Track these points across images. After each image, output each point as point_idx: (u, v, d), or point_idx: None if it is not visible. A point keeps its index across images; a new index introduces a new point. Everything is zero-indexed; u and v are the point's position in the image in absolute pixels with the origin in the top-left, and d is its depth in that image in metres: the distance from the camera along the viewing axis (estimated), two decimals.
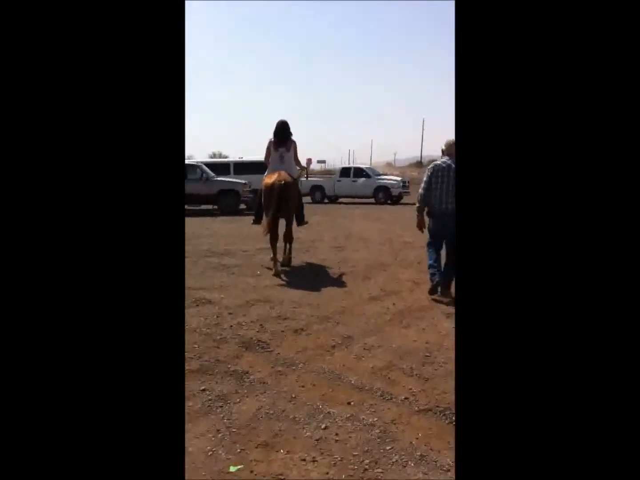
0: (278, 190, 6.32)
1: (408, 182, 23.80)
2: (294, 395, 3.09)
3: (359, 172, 22.34)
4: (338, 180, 22.47)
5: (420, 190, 5.40)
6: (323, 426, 2.72)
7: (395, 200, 21.48)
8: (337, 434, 2.65)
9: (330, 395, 3.10)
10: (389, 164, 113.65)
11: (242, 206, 17.07)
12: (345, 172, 22.63)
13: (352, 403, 3.00)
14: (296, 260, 7.56)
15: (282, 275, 6.45)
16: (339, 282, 6.15)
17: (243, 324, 4.45)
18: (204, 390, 3.15)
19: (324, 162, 58.98)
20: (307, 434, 2.65)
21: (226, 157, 25.81)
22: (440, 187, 5.22)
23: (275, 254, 6.65)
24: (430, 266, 5.40)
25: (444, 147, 5.42)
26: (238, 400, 3.03)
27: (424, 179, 5.40)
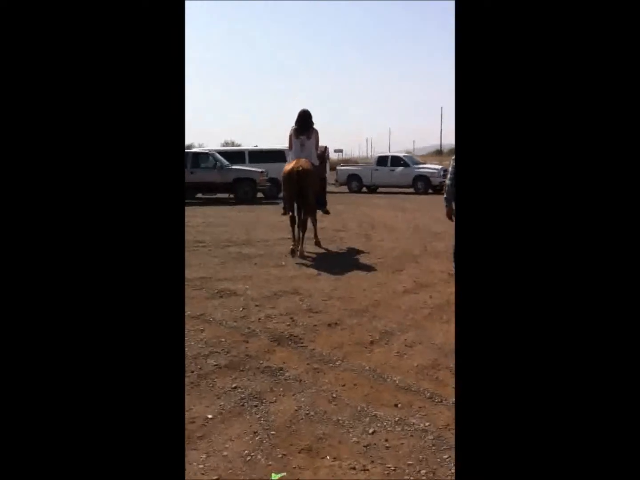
0: (296, 178, 6.67)
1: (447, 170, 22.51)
2: (334, 395, 2.90)
3: (397, 161, 21.43)
4: (375, 169, 21.56)
5: (447, 181, 5.61)
6: (371, 430, 2.54)
7: (437, 189, 19.03)
8: (386, 440, 2.46)
9: (374, 395, 2.92)
10: (408, 152, 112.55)
11: (260, 195, 16.91)
12: (382, 160, 21.81)
13: (399, 405, 2.81)
14: (322, 251, 7.37)
15: (309, 265, 6.27)
16: (369, 273, 5.95)
17: (272, 316, 4.27)
18: (235, 388, 2.98)
19: (340, 151, 58.34)
20: (354, 439, 2.47)
21: (239, 146, 25.47)
22: None
23: (294, 237, 6.99)
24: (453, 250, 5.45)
25: None
26: (274, 399, 2.86)
27: (449, 169, 5.60)
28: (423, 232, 9.23)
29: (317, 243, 7.62)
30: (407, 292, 5.14)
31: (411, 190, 20.62)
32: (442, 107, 76.80)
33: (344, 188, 21.87)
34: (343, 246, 7.80)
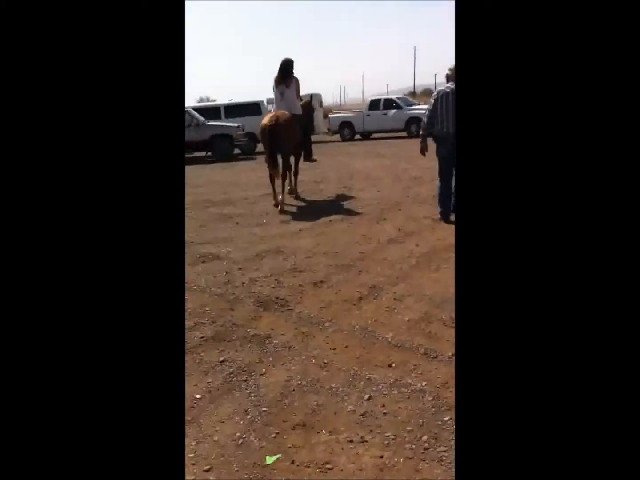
0: (269, 130, 6.57)
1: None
2: (325, 361, 2.74)
3: (389, 104, 20.00)
4: (367, 115, 20.24)
5: (424, 118, 5.68)
6: (366, 396, 2.38)
7: None
8: (383, 405, 2.31)
9: (367, 357, 2.75)
10: (381, 96, 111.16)
11: (237, 151, 16.45)
12: (374, 104, 20.40)
13: (393, 365, 2.65)
14: (303, 205, 7.14)
15: (291, 221, 6.04)
16: (352, 225, 5.73)
17: (256, 279, 4.07)
18: (223, 361, 2.80)
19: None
20: (350, 407, 2.31)
21: (214, 101, 24.51)
22: (441, 112, 5.47)
23: (274, 189, 6.98)
24: (438, 197, 5.74)
25: (448, 72, 5.66)
26: (263, 370, 2.68)
27: (428, 105, 5.69)
28: (403, 179, 8.98)
29: (297, 196, 7.54)
30: (392, 242, 4.95)
31: (404, 134, 19.19)
32: (414, 47, 74.89)
33: (338, 137, 21.00)
34: (323, 198, 7.56)
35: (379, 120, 19.96)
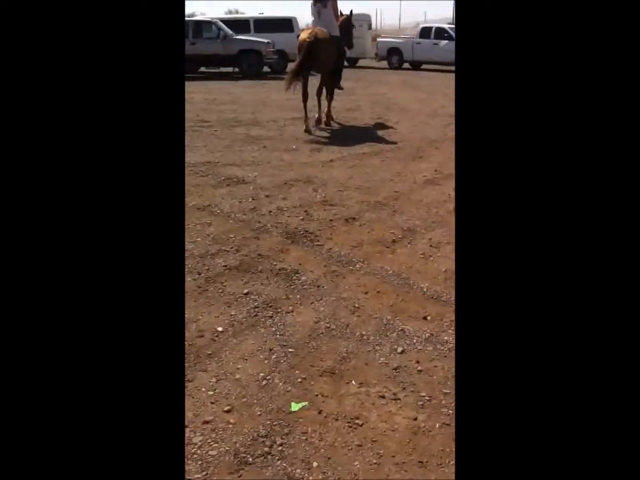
0: (307, 47, 6.44)
1: None
2: (356, 305, 2.61)
3: (441, 33, 18.79)
4: (417, 43, 19.11)
5: None
6: (399, 349, 2.26)
7: None
8: (418, 362, 2.18)
9: (401, 306, 2.62)
10: (419, 24, 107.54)
11: (266, 68, 15.88)
12: (425, 32, 19.23)
13: (428, 318, 2.52)
14: (336, 133, 6.86)
15: (322, 150, 5.80)
16: (387, 161, 5.49)
17: (284, 209, 3.90)
18: (247, 294, 2.68)
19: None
20: (381, 359, 2.19)
21: (243, 14, 23.48)
22: None
23: (306, 114, 6.80)
24: None
25: None
26: (290, 308, 2.56)
27: None
28: (440, 114, 8.59)
29: (328, 122, 7.27)
30: (428, 183, 4.73)
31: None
32: None
33: (385, 64, 20.04)
34: (357, 128, 7.26)
35: (429, 50, 18.76)
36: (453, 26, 20.92)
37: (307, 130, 6.69)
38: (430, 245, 3.34)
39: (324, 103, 7.30)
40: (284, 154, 5.60)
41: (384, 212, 3.93)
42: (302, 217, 3.75)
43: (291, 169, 5.03)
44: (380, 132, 6.94)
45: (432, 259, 3.16)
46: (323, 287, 2.78)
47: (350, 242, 3.36)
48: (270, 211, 3.84)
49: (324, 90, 7.17)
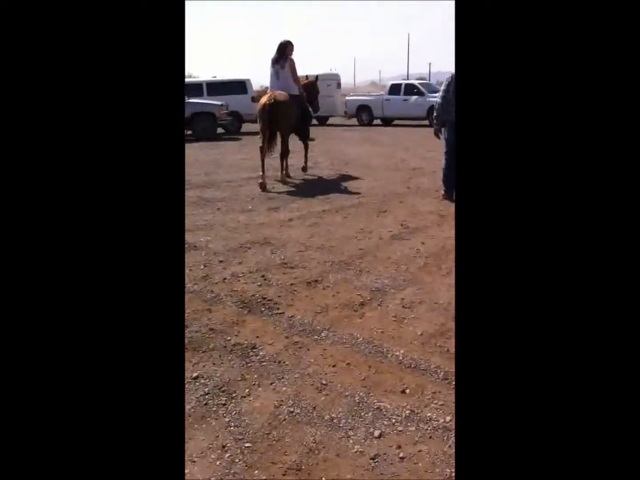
0: (268, 111, 6.75)
1: None
2: (324, 382, 2.33)
3: (411, 89, 19.28)
4: (387, 99, 19.68)
5: (438, 100, 5.88)
6: (376, 433, 1.98)
7: None
8: (399, 447, 1.90)
9: (375, 379, 2.35)
10: (373, 83, 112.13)
11: (220, 130, 15.91)
12: (394, 89, 19.75)
13: (407, 391, 2.25)
14: (293, 191, 6.70)
15: (280, 209, 5.61)
16: (349, 217, 5.32)
17: (240, 275, 3.64)
18: (196, 378, 2.37)
19: None
20: (356, 447, 1.91)
21: (197, 78, 23.77)
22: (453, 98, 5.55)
23: (263, 170, 6.89)
24: (443, 171, 6.08)
25: None
26: (247, 391, 2.26)
27: (441, 90, 5.88)
28: (402, 168, 8.59)
29: (284, 179, 7.37)
30: (395, 238, 4.55)
31: (426, 122, 17.46)
32: (409, 34, 74.35)
33: (355, 120, 20.57)
34: (316, 185, 7.13)
35: (400, 106, 19.24)
36: (423, 81, 21.63)
37: (263, 188, 6.73)
38: (403, 306, 3.11)
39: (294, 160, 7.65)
40: (239, 215, 5.38)
41: (350, 272, 3.71)
42: (259, 283, 3.49)
43: (247, 230, 4.80)
44: (340, 188, 6.82)
45: (405, 321, 2.92)
46: (284, 362, 2.49)
47: (313, 307, 3.11)
48: (225, 278, 3.57)
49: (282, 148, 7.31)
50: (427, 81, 24.50)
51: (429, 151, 10.24)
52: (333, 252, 4.15)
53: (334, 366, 2.46)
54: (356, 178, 7.64)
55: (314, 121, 17.04)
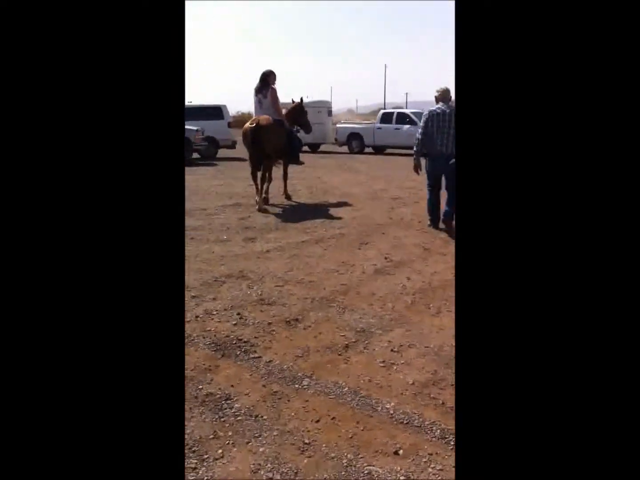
0: (250, 134, 7.10)
1: None
2: (306, 441, 2.09)
3: (403, 118, 19.20)
4: (378, 128, 19.51)
5: (418, 136, 6.03)
6: None
7: None
8: None
9: (364, 437, 2.12)
10: (350, 111, 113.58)
11: (195, 155, 15.69)
12: (386, 117, 19.66)
13: (400, 452, 2.03)
14: (271, 220, 6.49)
15: (257, 239, 5.38)
16: (329, 249, 5.11)
17: (213, 312, 3.39)
18: None
19: None
20: None
21: None
22: (437, 132, 5.87)
23: (258, 189, 7.35)
24: (428, 202, 6.24)
25: (437, 94, 6.08)
26: (220, 452, 2.01)
27: (421, 124, 6.09)
28: (382, 198, 8.46)
29: (262, 207, 7.24)
30: (379, 272, 4.35)
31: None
32: (385, 65, 75.55)
33: (346, 148, 20.41)
34: (295, 215, 6.93)
35: (391, 135, 19.15)
36: (416, 111, 21.42)
37: (261, 209, 7.07)
38: (391, 350, 2.90)
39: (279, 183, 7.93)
40: (214, 246, 5.14)
41: (332, 310, 3.49)
42: (234, 322, 3.25)
43: (222, 262, 4.56)
44: (320, 218, 6.62)
45: (395, 367, 2.70)
46: (262, 416, 2.25)
47: (293, 350, 2.87)
48: (197, 316, 3.32)
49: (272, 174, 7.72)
50: (421, 110, 24.70)
51: (408, 180, 10.16)
52: (313, 287, 3.94)
53: (317, 422, 2.22)
54: (336, 207, 7.47)
55: (306, 148, 17.11)
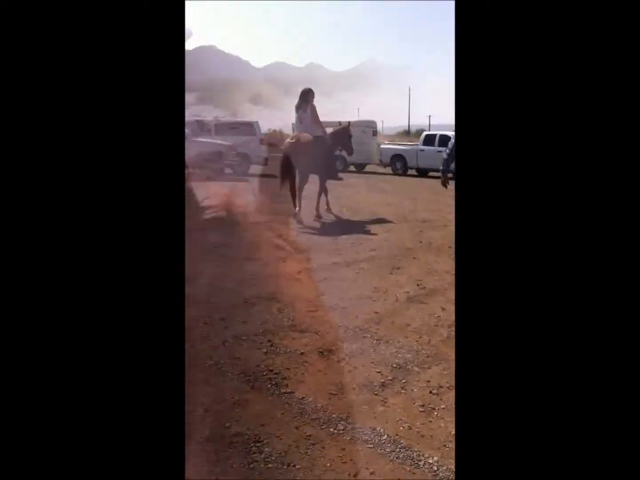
0: (289, 149, 7.41)
1: None
2: None
3: (445, 141, 19.23)
4: (421, 150, 18.96)
5: (444, 155, 5.90)
6: None
7: None
8: None
9: None
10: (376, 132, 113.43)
11: (228, 171, 15.58)
12: (429, 139, 19.00)
13: None
14: (300, 242, 6.25)
15: (288, 259, 5.14)
16: (361, 272, 4.85)
17: (243, 338, 3.15)
18: None
19: None
20: None
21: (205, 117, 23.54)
22: None
23: (299, 204, 7.52)
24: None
25: None
26: None
27: (450, 145, 5.97)
28: (411, 220, 8.17)
29: (320, 215, 7.74)
30: (412, 301, 4.07)
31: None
32: (409, 88, 75.23)
33: (389, 169, 19.81)
34: (326, 235, 6.69)
35: (433, 157, 18.14)
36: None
37: (299, 221, 7.26)
38: (430, 392, 2.62)
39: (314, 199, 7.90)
40: (246, 264, 4.91)
41: (366, 341, 3.22)
42: (265, 350, 3.00)
43: (253, 282, 4.32)
44: (351, 239, 6.37)
45: (435, 413, 2.42)
46: (295, 465, 1.99)
47: (327, 386, 2.62)
48: (225, 342, 3.08)
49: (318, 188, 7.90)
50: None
51: (436, 203, 9.87)
52: (346, 314, 3.67)
53: (355, 475, 1.96)
54: (366, 227, 7.21)
55: (352, 167, 16.88)
